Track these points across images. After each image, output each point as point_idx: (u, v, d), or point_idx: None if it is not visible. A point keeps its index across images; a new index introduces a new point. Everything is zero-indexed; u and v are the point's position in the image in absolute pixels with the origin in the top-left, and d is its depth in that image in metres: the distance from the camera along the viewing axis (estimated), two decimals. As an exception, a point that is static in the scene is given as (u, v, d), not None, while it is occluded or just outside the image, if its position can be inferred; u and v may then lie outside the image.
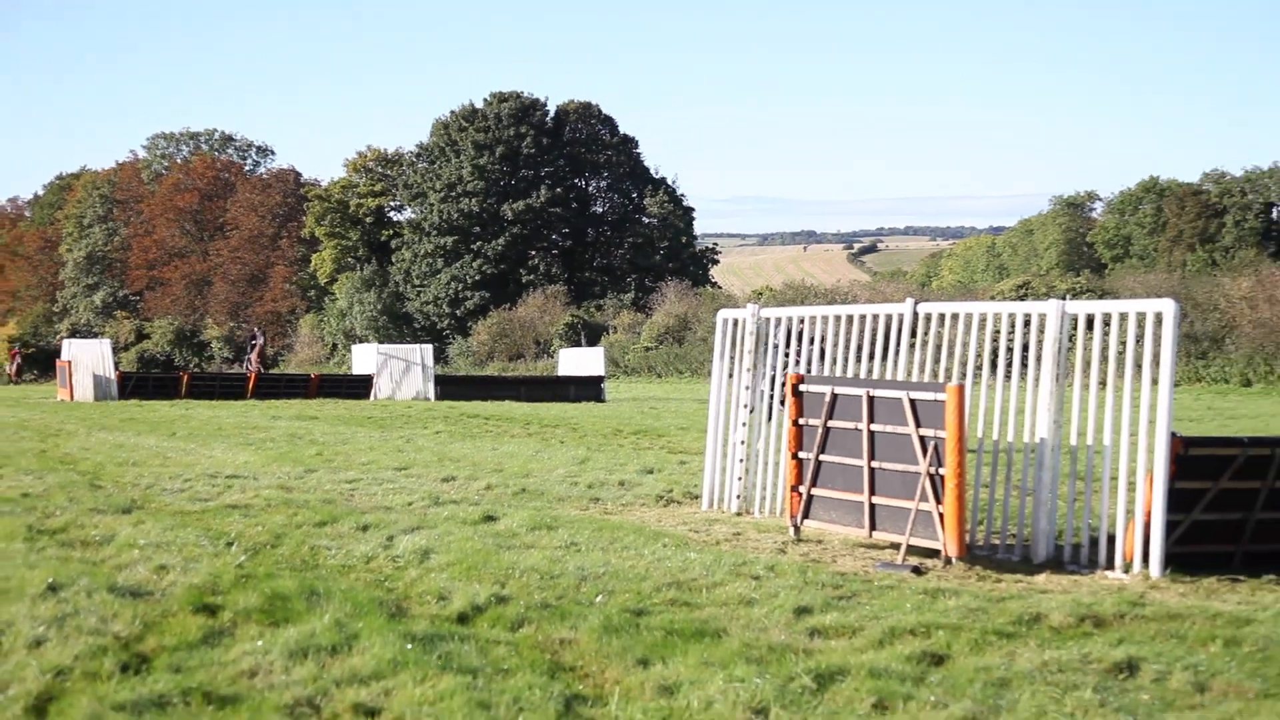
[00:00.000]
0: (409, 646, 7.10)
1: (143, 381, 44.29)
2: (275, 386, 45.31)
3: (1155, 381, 10.33)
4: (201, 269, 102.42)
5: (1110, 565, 10.40)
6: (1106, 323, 11.24)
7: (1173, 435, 10.07)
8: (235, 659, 7.00)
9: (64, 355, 44.08)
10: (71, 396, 41.50)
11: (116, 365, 46.97)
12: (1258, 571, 10.26)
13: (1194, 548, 10.35)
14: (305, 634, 7.37)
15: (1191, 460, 10.21)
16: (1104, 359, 10.94)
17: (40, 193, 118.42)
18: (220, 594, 8.56)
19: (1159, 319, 10.43)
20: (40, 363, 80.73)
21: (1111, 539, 10.54)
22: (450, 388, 45.83)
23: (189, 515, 12.64)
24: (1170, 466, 10.04)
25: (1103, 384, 10.83)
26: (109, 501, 13.57)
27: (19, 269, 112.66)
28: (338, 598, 8.39)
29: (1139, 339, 10.69)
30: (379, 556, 10.32)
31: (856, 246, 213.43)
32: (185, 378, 45.22)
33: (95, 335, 63.62)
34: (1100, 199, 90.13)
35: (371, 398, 42.47)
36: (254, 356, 39.99)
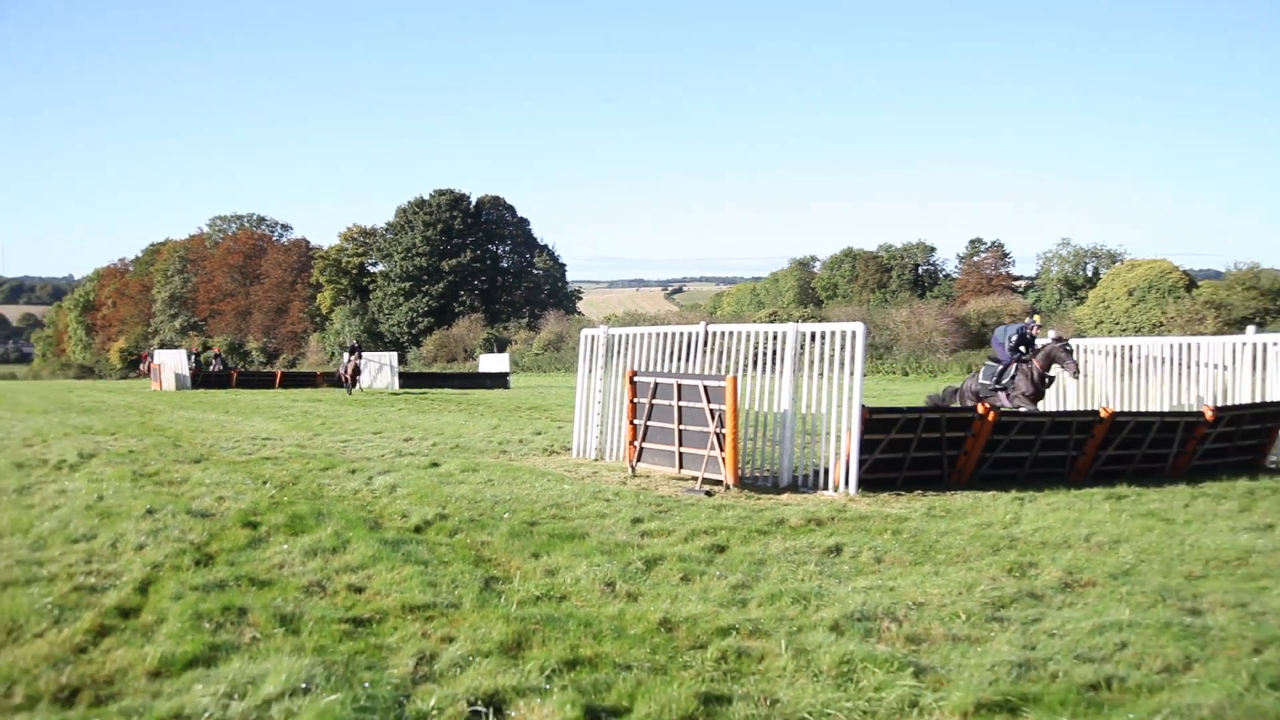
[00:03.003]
0: (383, 547, 7.04)
1: (207, 377, 43.01)
2: (294, 380, 44.22)
3: (851, 373, 10.65)
4: (245, 304, 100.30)
5: (826, 487, 10.65)
6: (824, 337, 11.54)
7: (863, 406, 10.42)
8: (269, 557, 6.89)
9: (155, 360, 43.06)
10: (161, 387, 40.35)
11: (201, 363, 45.54)
12: (911, 489, 10.65)
13: (875, 475, 10.67)
14: (315, 540, 7.27)
15: (873, 421, 10.53)
16: (822, 359, 11.21)
17: (139, 254, 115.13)
18: (259, 515, 8.38)
19: (854, 335, 10.78)
20: (139, 365, 78.41)
21: (827, 471, 10.80)
22: (409, 380, 45.01)
23: (238, 464, 12.31)
24: (861, 425, 10.37)
25: (821, 375, 11.11)
26: (185, 455, 13.19)
27: (125, 304, 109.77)
28: (336, 516, 8.27)
29: (842, 347, 10.99)
30: (363, 490, 10.17)
31: (670, 289, 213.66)
32: (235, 374, 44.00)
33: (176, 348, 61.47)
34: (819, 259, 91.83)
35: (357, 387, 41.65)
36: (349, 368, 35.73)
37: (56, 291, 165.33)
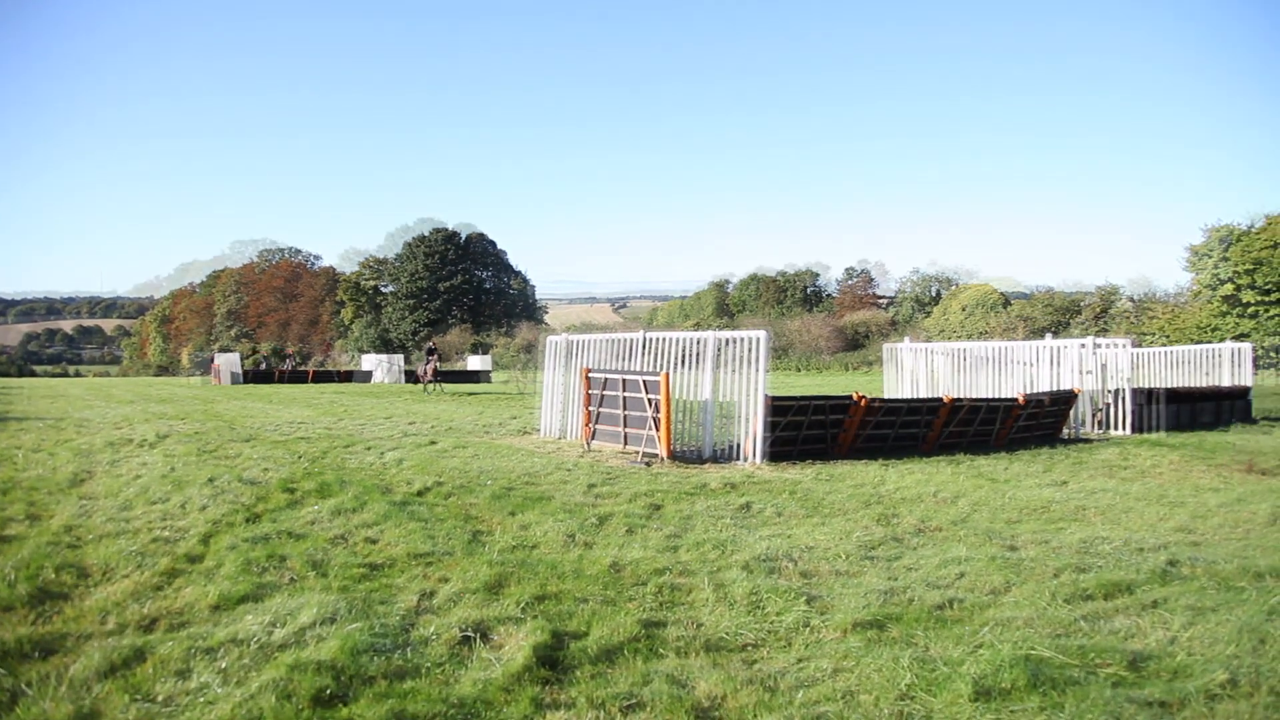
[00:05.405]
0: (392, 508, 6.85)
1: (255, 375, 41.95)
2: (322, 377, 43.33)
3: (758, 370, 10.64)
4: (285, 317, 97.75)
5: (739, 459, 10.60)
6: (736, 342, 11.51)
7: (766, 395, 10.41)
8: (303, 516, 6.67)
9: (215, 361, 41.97)
10: (219, 382, 39.18)
11: (273, 362, 44.42)
12: (804, 459, 10.66)
13: (777, 449, 10.64)
14: (339, 502, 7.05)
15: (775, 407, 10.53)
16: (735, 359, 11.20)
17: (204, 279, 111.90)
18: (296, 482, 8.12)
19: (759, 340, 10.76)
20: (202, 365, 76.42)
21: (739, 446, 10.74)
22: (412, 377, 44.20)
23: (279, 443, 11.94)
24: (765, 410, 10.37)
25: (734, 371, 11.09)
26: (238, 435, 12.76)
27: (193, 318, 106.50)
28: (355, 484, 8.05)
29: (751, 350, 10.98)
30: (376, 463, 9.91)
31: (616, 304, 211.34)
32: (278, 372, 42.97)
33: (232, 352, 59.88)
34: (732, 281, 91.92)
35: (372, 382, 40.94)
36: (430, 368, 30.10)
37: (140, 308, 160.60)
